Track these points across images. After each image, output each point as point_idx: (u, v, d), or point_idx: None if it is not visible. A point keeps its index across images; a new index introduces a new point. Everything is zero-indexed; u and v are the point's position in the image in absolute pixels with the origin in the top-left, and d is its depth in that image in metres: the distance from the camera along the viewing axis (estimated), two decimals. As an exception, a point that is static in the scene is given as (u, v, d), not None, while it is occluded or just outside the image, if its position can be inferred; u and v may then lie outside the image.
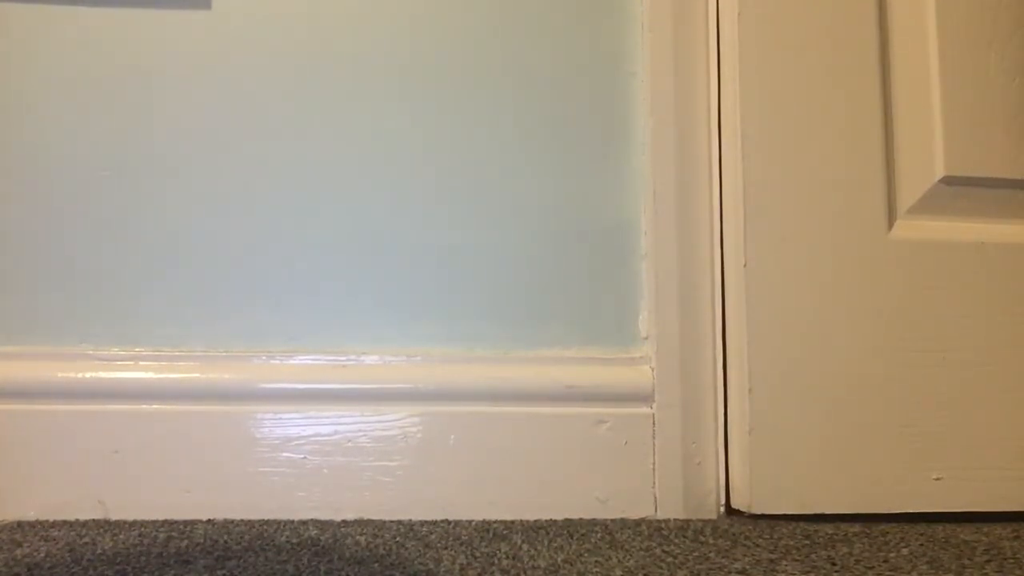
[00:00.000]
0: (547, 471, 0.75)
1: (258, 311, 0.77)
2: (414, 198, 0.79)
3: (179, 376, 0.74)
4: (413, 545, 0.63)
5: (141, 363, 0.75)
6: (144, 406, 0.73)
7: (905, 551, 0.63)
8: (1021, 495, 0.77)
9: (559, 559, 0.60)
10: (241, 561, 0.58)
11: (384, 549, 0.62)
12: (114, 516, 0.72)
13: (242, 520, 0.72)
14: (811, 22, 0.79)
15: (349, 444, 0.74)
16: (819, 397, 0.76)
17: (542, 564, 0.58)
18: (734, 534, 0.68)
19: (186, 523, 0.70)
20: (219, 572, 0.56)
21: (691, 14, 0.81)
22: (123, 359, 0.75)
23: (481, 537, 0.66)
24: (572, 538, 0.66)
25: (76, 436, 0.72)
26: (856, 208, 0.78)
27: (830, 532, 0.69)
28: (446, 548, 0.63)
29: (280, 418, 0.74)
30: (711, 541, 0.66)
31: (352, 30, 0.80)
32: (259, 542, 0.64)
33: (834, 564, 0.59)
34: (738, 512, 0.76)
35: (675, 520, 0.74)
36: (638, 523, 0.73)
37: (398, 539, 0.65)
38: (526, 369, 0.77)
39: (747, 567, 0.58)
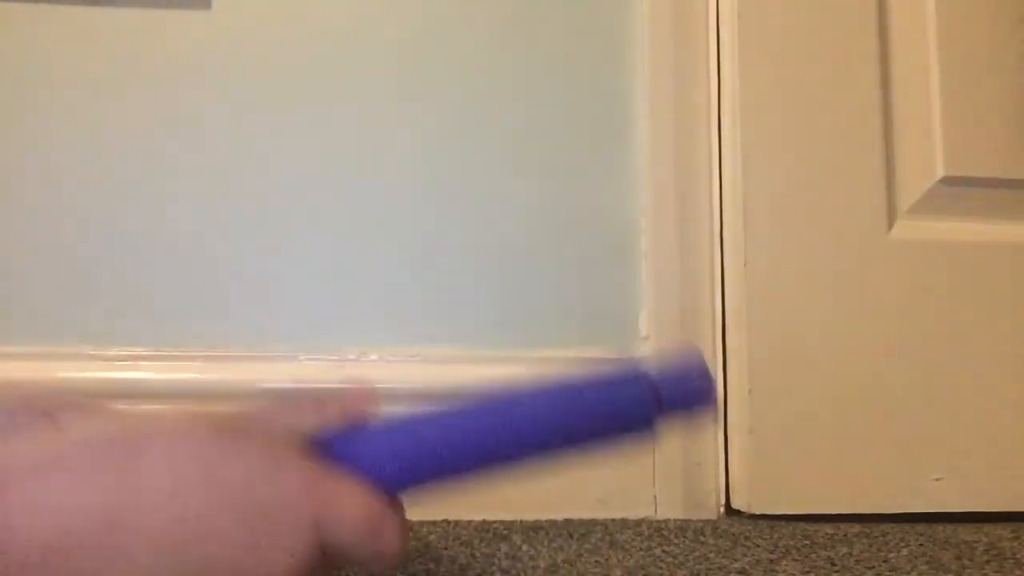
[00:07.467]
0: (546, 471, 0.75)
1: (258, 311, 0.77)
2: (412, 198, 0.79)
3: (179, 376, 0.74)
4: (413, 545, 0.63)
5: (141, 363, 0.75)
6: (144, 406, 0.73)
7: (905, 551, 0.63)
8: (1021, 495, 0.77)
9: (559, 559, 0.60)
10: (241, 561, 0.58)
11: (384, 549, 0.62)
12: (114, 516, 0.72)
13: (242, 520, 0.72)
14: (811, 22, 0.79)
15: (349, 444, 0.74)
16: (819, 397, 0.76)
17: (542, 564, 0.58)
18: (734, 534, 0.68)
19: (186, 523, 0.70)
20: (219, 572, 0.56)
21: (691, 14, 0.81)
22: (123, 359, 0.75)
23: (481, 537, 0.66)
24: (572, 538, 0.66)
25: (76, 436, 0.72)
26: (856, 208, 0.78)
27: (830, 532, 0.69)
28: (446, 548, 0.63)
29: (280, 418, 0.74)
30: (711, 541, 0.66)
31: (351, 31, 0.80)
32: (259, 542, 0.64)
33: (834, 564, 0.59)
34: (738, 512, 0.76)
35: (675, 520, 0.74)
36: (638, 523, 0.73)
37: (398, 539, 0.65)
38: (526, 369, 0.77)
39: (747, 567, 0.58)
